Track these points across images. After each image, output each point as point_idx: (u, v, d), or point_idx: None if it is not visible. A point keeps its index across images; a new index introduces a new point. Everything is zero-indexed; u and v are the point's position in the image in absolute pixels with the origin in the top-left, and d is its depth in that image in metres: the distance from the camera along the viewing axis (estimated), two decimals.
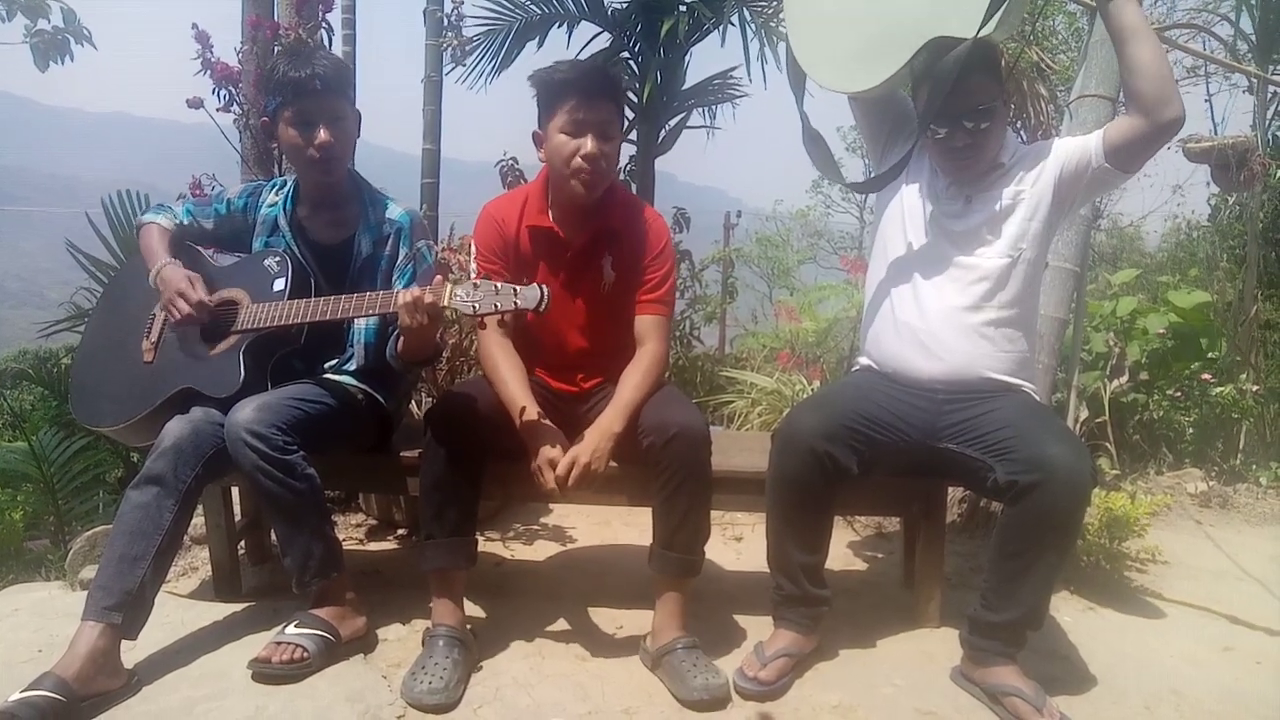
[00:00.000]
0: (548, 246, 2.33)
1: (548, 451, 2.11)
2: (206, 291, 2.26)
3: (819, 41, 2.28)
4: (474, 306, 1.96)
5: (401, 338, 2.21)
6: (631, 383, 2.24)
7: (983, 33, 2.01)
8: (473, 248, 2.36)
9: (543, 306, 1.94)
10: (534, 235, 2.33)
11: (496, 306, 1.95)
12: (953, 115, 2.12)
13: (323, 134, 2.28)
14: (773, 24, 5.13)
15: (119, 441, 3.00)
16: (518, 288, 1.95)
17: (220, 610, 2.43)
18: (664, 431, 2.11)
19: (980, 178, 2.22)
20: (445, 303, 2.01)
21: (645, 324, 2.34)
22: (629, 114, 5.15)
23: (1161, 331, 4.29)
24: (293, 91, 2.26)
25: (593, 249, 2.33)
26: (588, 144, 2.17)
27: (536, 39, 5.50)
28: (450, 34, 4.45)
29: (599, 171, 2.21)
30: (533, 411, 2.17)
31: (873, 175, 2.41)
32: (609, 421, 2.16)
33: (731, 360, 5.28)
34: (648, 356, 2.30)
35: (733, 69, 5.55)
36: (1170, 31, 4.45)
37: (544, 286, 1.95)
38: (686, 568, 2.19)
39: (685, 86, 5.46)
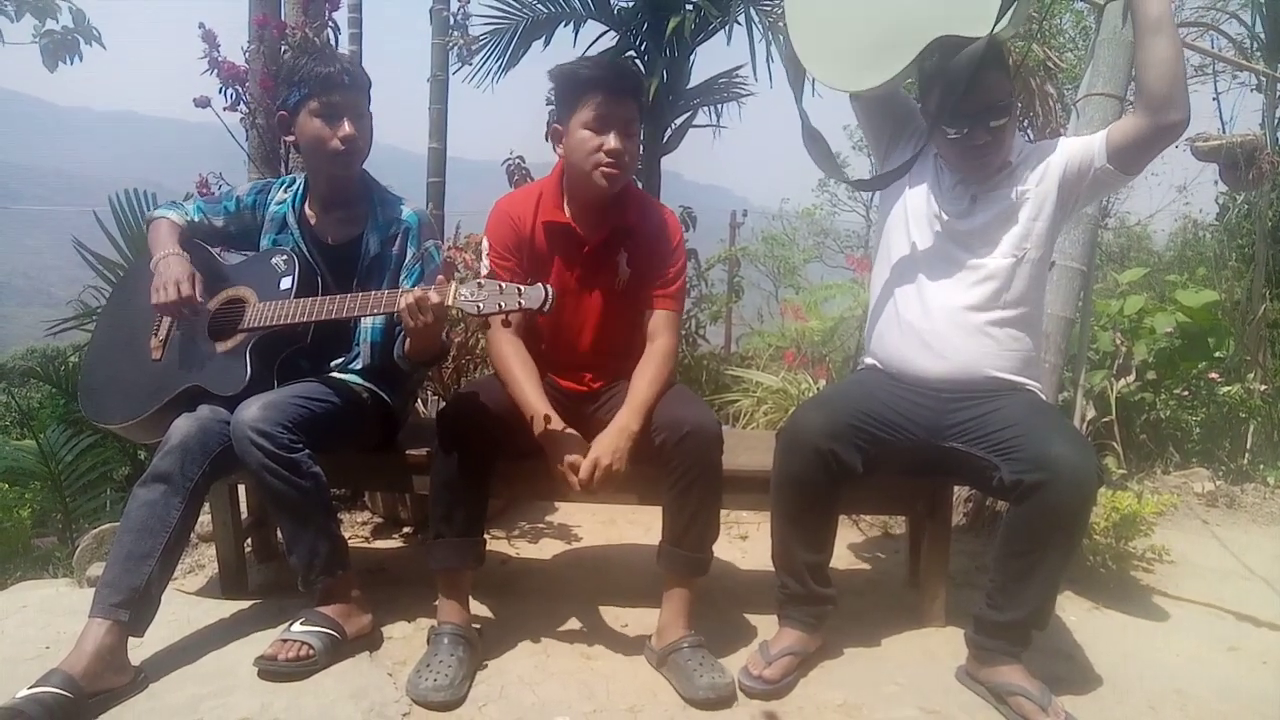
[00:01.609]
0: (564, 243, 2.32)
1: (569, 455, 2.11)
2: (203, 293, 2.26)
3: (821, 39, 2.27)
4: (478, 306, 1.96)
5: (408, 337, 2.21)
6: (645, 380, 2.24)
7: (995, 30, 2.00)
8: (485, 244, 2.35)
9: (547, 307, 1.94)
10: (550, 231, 2.32)
11: (501, 306, 1.95)
12: (972, 114, 2.11)
13: (347, 127, 2.29)
14: (780, 24, 5.12)
15: (127, 439, 3.01)
16: (522, 287, 1.95)
17: (226, 608, 2.43)
18: (677, 429, 2.11)
19: (987, 177, 2.21)
20: (450, 302, 2.01)
21: (657, 319, 2.34)
22: None
23: (1169, 330, 4.27)
24: (320, 85, 2.28)
25: (609, 246, 2.33)
26: (611, 140, 2.17)
27: (543, 38, 5.50)
28: (456, 33, 4.46)
29: (622, 166, 2.21)
30: (551, 418, 2.17)
31: (877, 174, 2.40)
32: (626, 421, 2.16)
33: (737, 359, 5.28)
34: (659, 352, 2.30)
35: (738, 68, 5.55)
36: (1179, 29, 4.43)
37: (548, 287, 1.94)
38: (695, 566, 2.19)
39: (691, 85, 5.46)
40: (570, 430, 2.19)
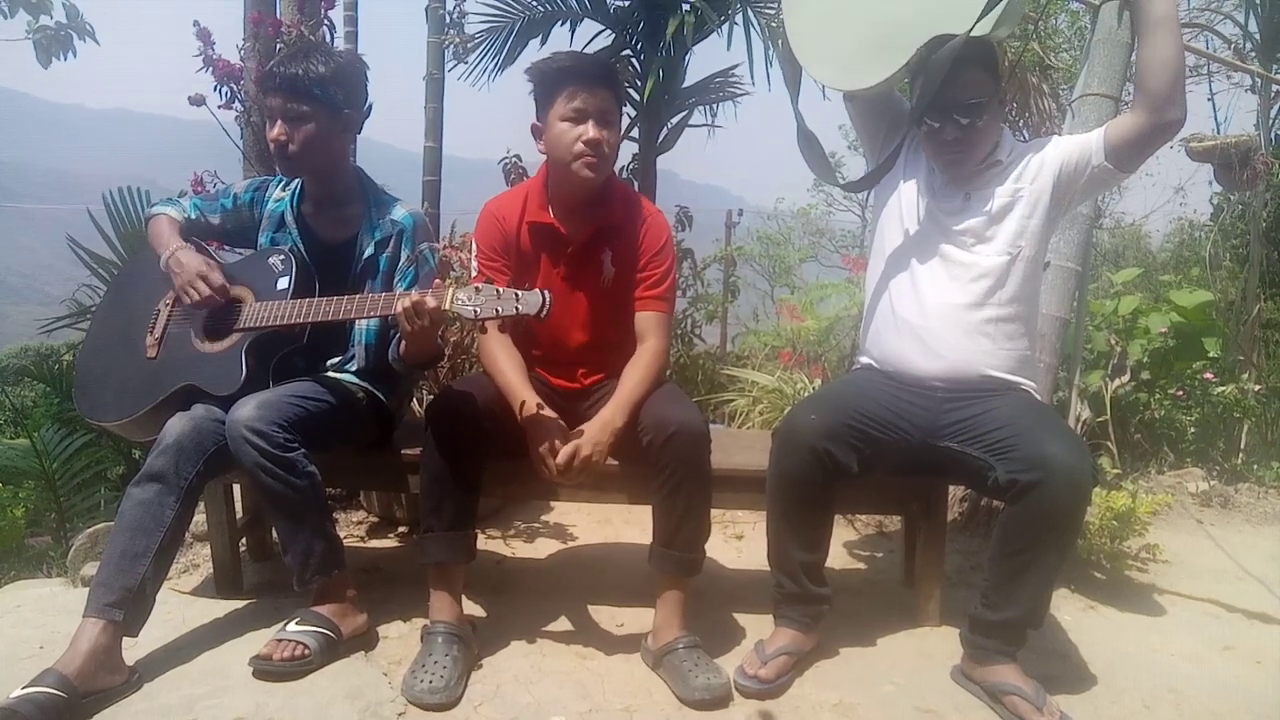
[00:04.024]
0: (548, 242, 2.33)
1: (548, 441, 2.12)
2: (223, 276, 2.28)
3: (818, 39, 2.27)
4: (475, 311, 1.96)
5: (403, 340, 2.21)
6: (633, 378, 2.24)
7: (981, 30, 2.01)
8: (474, 246, 2.35)
9: (544, 313, 1.94)
10: (534, 231, 2.33)
11: (498, 311, 1.95)
12: (943, 109, 2.12)
13: (274, 131, 2.30)
14: (775, 24, 5.12)
15: (121, 437, 3.00)
16: (519, 293, 1.95)
17: (221, 607, 2.43)
18: (663, 429, 2.12)
19: (978, 175, 2.22)
20: (447, 306, 2.00)
21: (646, 320, 2.34)
22: (630, 112, 5.16)
23: (1163, 331, 4.28)
24: (260, 85, 2.35)
25: (593, 244, 2.33)
26: (589, 130, 2.17)
27: (539, 36, 5.49)
28: (452, 31, 4.45)
29: (601, 156, 2.21)
30: (532, 403, 2.18)
31: (865, 174, 2.41)
32: (610, 415, 2.17)
33: (733, 358, 5.28)
34: (648, 353, 2.30)
35: (734, 67, 5.54)
36: None
37: (545, 292, 1.94)
38: (687, 566, 2.20)
39: (686, 84, 5.45)
40: (549, 413, 2.19)
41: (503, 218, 2.34)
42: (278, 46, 3.44)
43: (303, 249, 2.40)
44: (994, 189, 2.21)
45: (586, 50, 5.22)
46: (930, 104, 2.12)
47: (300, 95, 2.28)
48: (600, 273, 2.34)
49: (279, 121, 2.29)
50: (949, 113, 2.12)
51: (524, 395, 2.19)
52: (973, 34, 2.02)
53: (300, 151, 2.32)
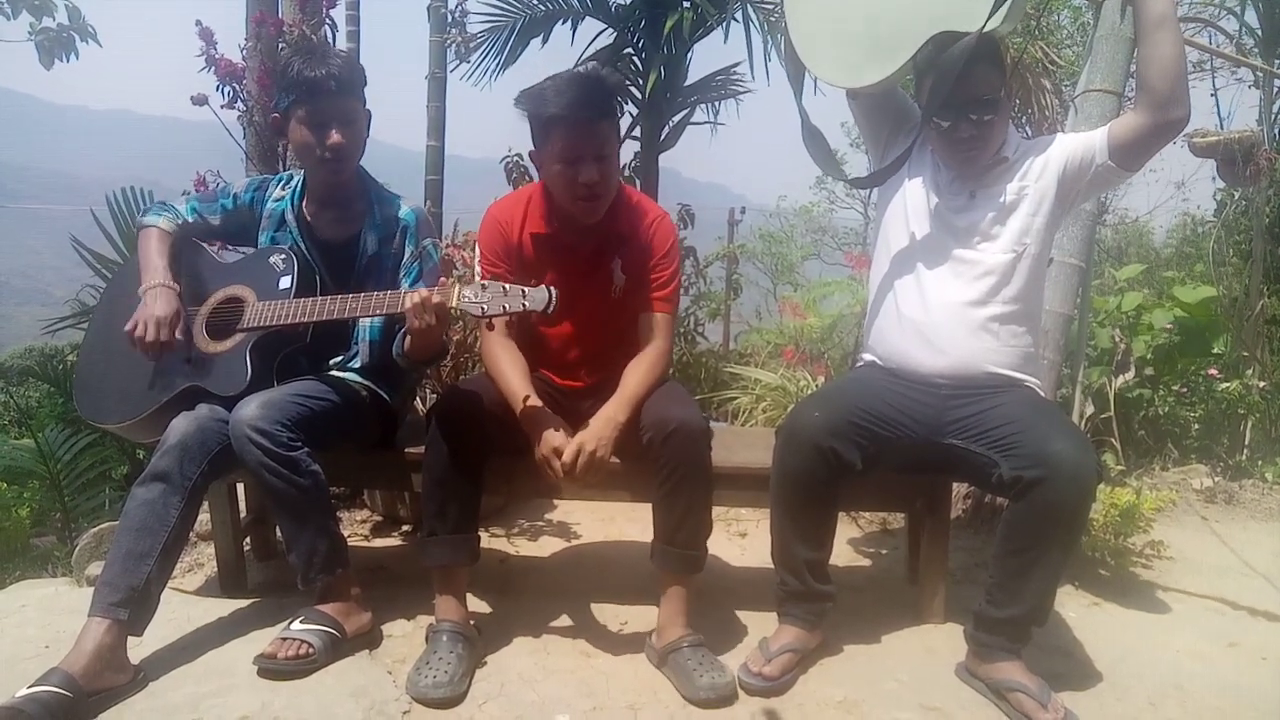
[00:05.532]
0: (552, 252, 2.32)
1: (552, 440, 2.11)
2: (181, 334, 2.25)
3: (821, 36, 2.27)
4: (482, 308, 1.96)
5: (408, 337, 2.21)
6: (636, 375, 2.24)
7: (987, 27, 2.00)
8: (477, 250, 2.35)
9: (550, 308, 1.94)
10: (537, 241, 2.32)
11: (504, 308, 1.95)
12: (957, 106, 2.12)
13: (335, 136, 2.28)
14: (779, 21, 5.12)
15: (125, 438, 3.01)
16: (525, 289, 1.95)
17: (226, 606, 2.43)
18: (663, 427, 2.11)
19: (984, 172, 2.21)
20: (453, 304, 2.01)
21: (650, 321, 2.34)
22: (632, 110, 5.16)
23: (1167, 327, 4.27)
24: (307, 91, 2.26)
25: (601, 253, 2.32)
26: (584, 172, 2.14)
27: (541, 35, 5.50)
28: (454, 30, 4.46)
29: (598, 195, 2.20)
30: (534, 401, 2.18)
31: (873, 170, 2.40)
32: (613, 411, 2.17)
33: (736, 356, 5.28)
34: (652, 352, 2.30)
35: (736, 65, 5.55)
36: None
37: (551, 288, 1.94)
38: (689, 563, 2.20)
39: (688, 82, 5.46)
40: (550, 412, 2.19)
41: (505, 223, 2.33)
42: (279, 46, 3.44)
43: (304, 247, 2.40)
44: (999, 186, 2.20)
45: (588, 49, 5.24)
46: (943, 103, 2.11)
47: (352, 95, 2.30)
48: (611, 282, 2.33)
49: (335, 127, 2.28)
50: (963, 111, 2.12)
51: (524, 393, 2.18)
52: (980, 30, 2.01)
53: (353, 153, 2.35)
